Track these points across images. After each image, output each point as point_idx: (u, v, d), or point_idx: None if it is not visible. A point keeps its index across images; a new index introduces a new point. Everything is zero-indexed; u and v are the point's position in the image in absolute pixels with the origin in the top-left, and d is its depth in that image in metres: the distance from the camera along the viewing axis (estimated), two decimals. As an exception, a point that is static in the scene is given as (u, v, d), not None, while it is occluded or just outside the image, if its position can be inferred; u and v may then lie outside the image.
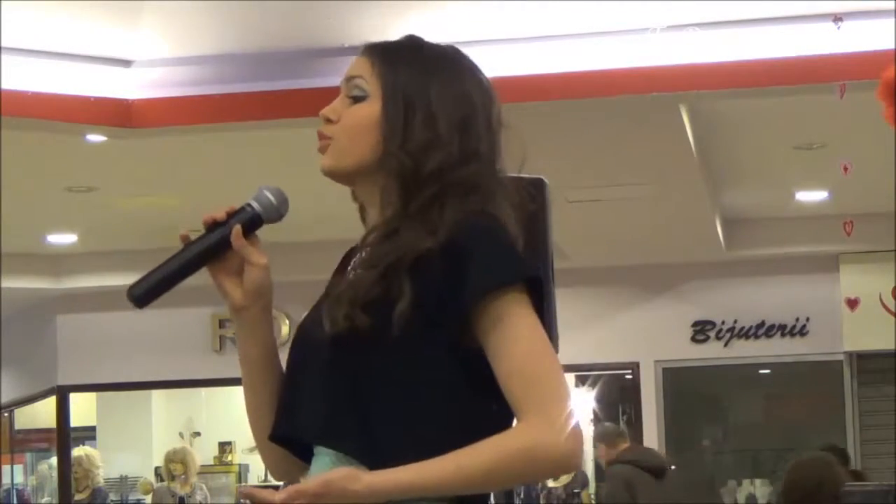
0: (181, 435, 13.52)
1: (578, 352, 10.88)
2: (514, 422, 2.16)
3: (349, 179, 2.33)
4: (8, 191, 8.46)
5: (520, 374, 2.12)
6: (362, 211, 2.37)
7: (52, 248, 11.31)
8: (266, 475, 11.06)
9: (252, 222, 2.28)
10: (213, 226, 2.27)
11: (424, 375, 2.15)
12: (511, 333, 2.14)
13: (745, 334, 11.97)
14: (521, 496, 11.44)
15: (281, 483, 2.36)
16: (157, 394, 13.70)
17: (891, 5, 6.40)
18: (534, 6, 6.63)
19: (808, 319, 11.85)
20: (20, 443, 14.44)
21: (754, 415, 12.78)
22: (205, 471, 12.72)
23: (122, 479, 13.77)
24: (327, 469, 2.15)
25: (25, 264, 11.40)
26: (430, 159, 2.24)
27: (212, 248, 2.26)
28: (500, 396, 2.15)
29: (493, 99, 2.38)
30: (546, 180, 5.02)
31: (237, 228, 2.26)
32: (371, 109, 2.29)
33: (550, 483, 11.64)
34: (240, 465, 13.33)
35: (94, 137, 7.51)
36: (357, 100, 2.31)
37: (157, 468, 13.07)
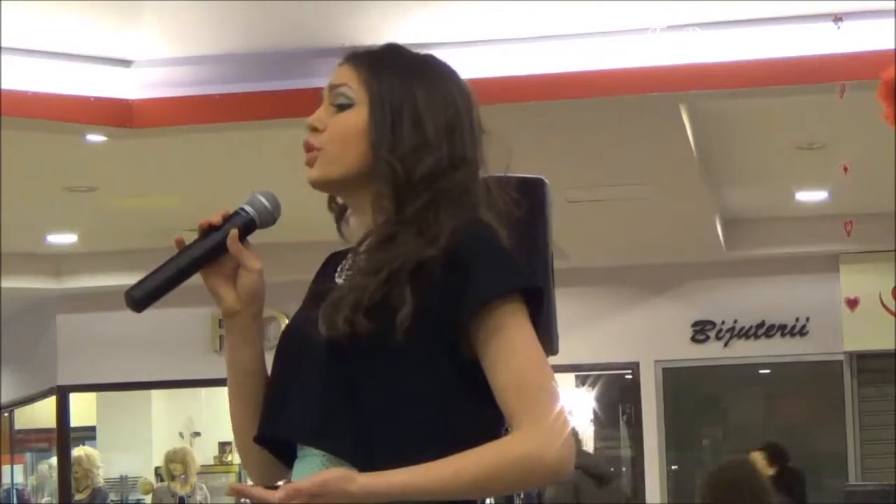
0: (181, 435, 13.52)
1: (578, 352, 10.89)
2: (501, 430, 2.21)
3: (337, 188, 2.34)
4: (8, 191, 8.46)
5: (517, 385, 2.16)
6: (339, 219, 2.38)
7: (52, 248, 11.31)
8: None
9: (246, 227, 2.29)
10: (208, 230, 2.27)
11: (421, 381, 2.17)
12: (509, 345, 2.17)
13: (745, 334, 11.97)
14: (522, 496, 11.43)
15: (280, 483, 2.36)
16: (157, 394, 13.71)
17: (891, 5, 6.40)
18: (534, 6, 6.63)
19: (808, 319, 11.85)
20: (20, 443, 14.45)
21: (754, 415, 12.77)
22: (205, 471, 12.72)
23: (122, 479, 13.77)
24: (318, 470, 2.16)
25: (25, 264, 11.40)
26: (421, 164, 2.26)
27: (208, 252, 2.26)
28: (493, 404, 2.18)
29: (474, 104, 2.42)
30: (546, 180, 5.03)
31: (234, 233, 2.26)
32: (358, 117, 2.30)
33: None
34: (240, 465, 13.32)
35: (94, 137, 7.51)
36: (342, 108, 2.32)
37: (157, 468, 13.07)
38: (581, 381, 12.78)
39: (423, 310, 2.16)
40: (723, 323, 11.99)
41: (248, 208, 2.29)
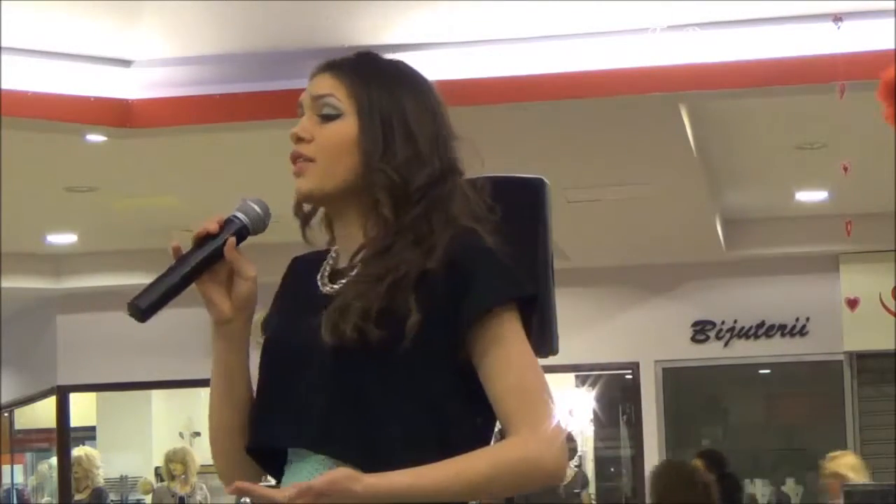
0: (181, 435, 13.52)
1: (578, 352, 10.89)
2: (490, 435, 2.28)
3: (328, 200, 2.34)
4: (8, 191, 8.46)
5: (516, 390, 2.22)
6: (305, 224, 2.39)
7: (52, 248, 11.31)
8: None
9: (240, 234, 2.29)
10: (204, 238, 2.27)
11: (423, 387, 2.22)
12: (507, 352, 2.23)
13: (745, 334, 11.97)
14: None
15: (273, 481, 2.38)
16: (157, 394, 13.71)
17: (891, 5, 6.40)
18: (534, 6, 6.63)
19: (808, 319, 11.85)
20: (20, 443, 14.45)
21: (754, 415, 12.77)
22: (205, 471, 12.70)
23: (122, 479, 13.78)
24: (322, 472, 2.18)
25: (25, 264, 11.40)
26: (416, 174, 2.29)
27: (207, 260, 2.27)
28: (484, 410, 2.24)
29: (446, 109, 2.44)
30: (546, 180, 5.02)
31: (231, 240, 2.27)
32: (349, 128, 2.31)
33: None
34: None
35: (94, 137, 7.51)
36: (329, 118, 2.32)
37: (157, 468, 13.07)
38: (581, 381, 12.78)
39: (426, 318, 2.20)
40: (723, 323, 11.99)
41: (241, 216, 2.29)
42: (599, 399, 12.80)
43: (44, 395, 12.70)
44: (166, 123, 7.17)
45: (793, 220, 11.25)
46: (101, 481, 12.18)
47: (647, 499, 6.37)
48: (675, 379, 12.27)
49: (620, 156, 8.29)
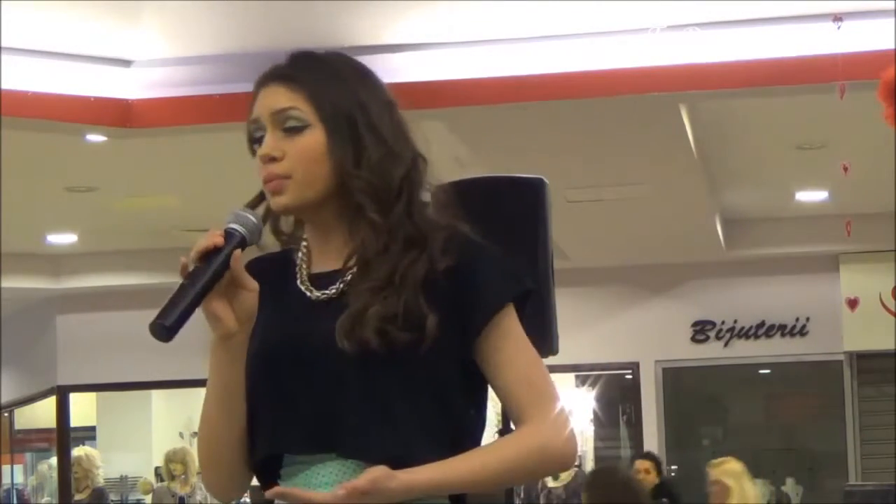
0: (181, 435, 13.52)
1: (578, 352, 10.89)
2: (480, 430, 2.34)
3: (309, 210, 2.33)
4: (8, 191, 8.46)
5: (525, 381, 2.30)
6: (278, 231, 2.39)
7: (52, 248, 11.31)
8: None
9: (241, 247, 2.28)
10: (210, 253, 2.25)
11: (439, 386, 2.27)
12: (513, 346, 2.31)
13: (745, 334, 11.98)
14: (522, 496, 11.44)
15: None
16: (157, 394, 13.71)
17: (891, 5, 6.40)
18: (534, 6, 6.63)
19: (808, 319, 11.85)
20: (20, 443, 14.45)
21: (754, 415, 12.78)
22: (205, 471, 12.71)
23: (122, 479, 13.78)
24: (350, 474, 2.22)
25: (25, 264, 11.40)
26: (392, 171, 2.30)
27: (217, 274, 2.25)
28: (476, 402, 2.32)
29: (393, 95, 2.41)
30: (546, 180, 5.02)
31: (237, 253, 2.26)
32: (317, 137, 2.30)
33: (550, 483, 11.65)
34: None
35: (94, 137, 7.51)
36: (294, 130, 2.30)
37: (157, 468, 13.07)
38: (581, 381, 12.78)
39: (439, 318, 2.24)
40: (723, 323, 11.99)
41: (238, 227, 2.28)
42: (599, 399, 12.80)
43: (44, 395, 12.70)
44: (166, 123, 7.17)
45: (793, 220, 11.26)
46: (101, 481, 12.18)
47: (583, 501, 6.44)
48: (675, 379, 12.27)
49: (620, 156, 8.29)
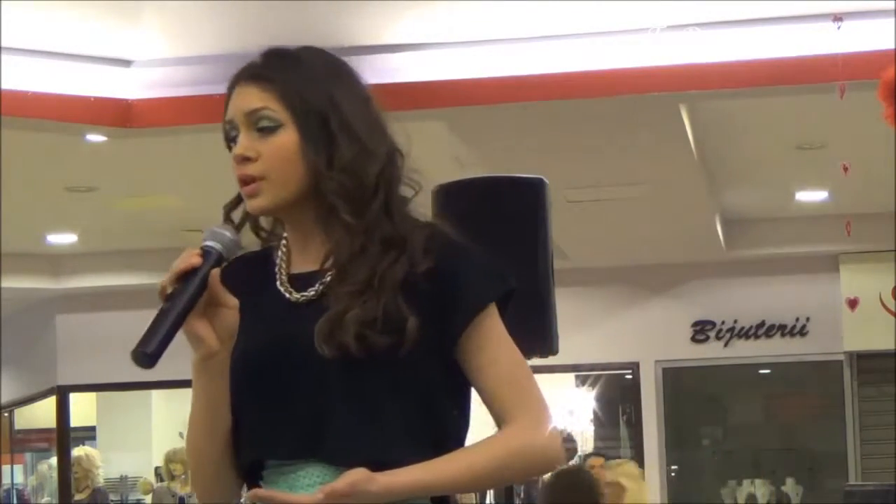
0: (181, 435, 13.46)
1: (578, 352, 10.88)
2: (464, 430, 2.31)
3: (286, 210, 2.31)
4: (8, 191, 8.46)
5: (509, 381, 2.28)
6: (258, 229, 2.36)
7: (52, 248, 11.31)
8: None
9: (218, 264, 2.26)
10: (188, 273, 2.22)
11: (422, 389, 2.24)
12: (496, 346, 2.28)
13: (745, 334, 11.97)
14: (522, 496, 11.45)
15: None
16: (157, 394, 13.69)
17: (891, 5, 6.40)
18: (534, 6, 6.63)
19: (808, 319, 11.85)
20: (20, 443, 14.44)
21: (754, 415, 12.77)
22: (205, 471, 12.70)
23: (122, 479, 13.77)
24: (330, 480, 2.20)
25: (25, 264, 11.40)
26: (367, 169, 2.27)
27: (196, 296, 2.22)
28: (458, 403, 2.30)
29: (371, 91, 2.38)
30: (546, 180, 5.02)
31: (216, 272, 2.23)
32: (290, 137, 2.27)
33: (550, 483, 11.64)
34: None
35: (94, 137, 7.51)
36: (267, 130, 2.28)
37: (157, 468, 13.06)
38: (581, 381, 12.78)
39: (420, 320, 2.21)
40: (723, 323, 11.99)
41: (215, 244, 2.25)
42: (599, 399, 12.80)
43: (44, 395, 12.70)
44: (166, 123, 7.17)
45: (793, 220, 11.25)
46: (101, 481, 12.18)
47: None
48: (675, 379, 12.27)
49: (620, 156, 8.29)
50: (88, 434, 13.83)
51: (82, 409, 13.44)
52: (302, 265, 2.32)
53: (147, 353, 2.18)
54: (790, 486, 12.19)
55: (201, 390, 2.30)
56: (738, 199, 10.66)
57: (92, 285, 11.64)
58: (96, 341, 11.86)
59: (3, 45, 6.50)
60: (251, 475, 2.30)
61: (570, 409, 12.73)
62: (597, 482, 6.58)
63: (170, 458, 12.07)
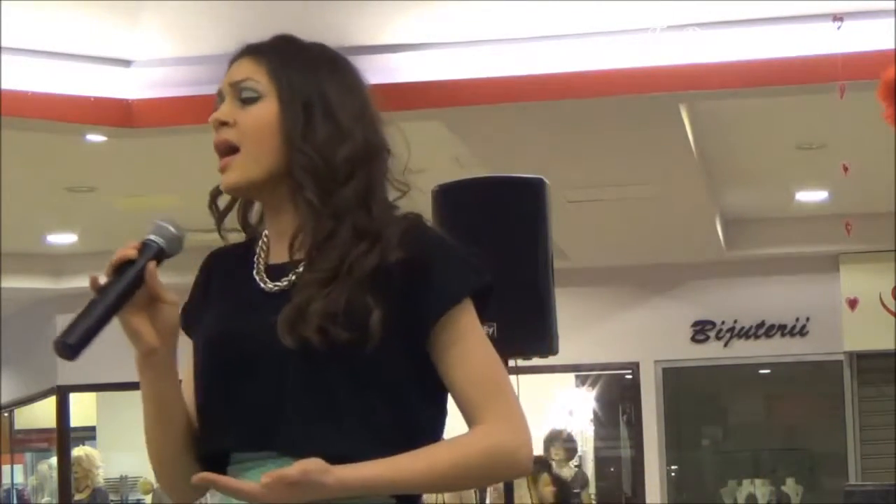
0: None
1: (578, 352, 10.89)
2: (440, 427, 2.24)
3: (256, 190, 2.28)
4: (8, 191, 8.46)
5: (480, 380, 2.19)
6: (220, 221, 2.35)
7: (52, 248, 11.31)
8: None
9: (158, 258, 2.21)
10: (122, 265, 2.18)
11: (389, 384, 2.18)
12: (468, 344, 2.21)
13: (745, 334, 11.97)
14: (521, 496, 11.43)
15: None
16: (157, 394, 13.68)
17: (891, 5, 6.40)
18: (534, 6, 6.63)
19: (808, 319, 11.85)
20: (20, 443, 14.45)
21: (754, 415, 12.77)
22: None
23: (122, 479, 13.78)
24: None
25: (25, 264, 11.40)
26: (339, 151, 2.23)
27: (129, 289, 2.16)
28: (434, 402, 2.22)
29: (372, 93, 2.34)
30: (546, 180, 5.02)
31: (152, 266, 2.18)
32: (269, 108, 2.25)
33: (550, 483, 11.65)
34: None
35: (94, 137, 7.51)
36: (249, 101, 2.26)
37: (157, 468, 13.05)
38: (581, 381, 12.78)
39: (388, 313, 2.16)
40: (723, 323, 11.99)
41: (157, 239, 2.20)
42: (599, 399, 12.80)
43: (44, 395, 12.70)
44: (166, 123, 7.17)
45: (793, 220, 11.25)
46: (101, 481, 12.18)
47: None
48: (675, 379, 12.27)
49: (620, 156, 8.29)
50: (88, 434, 13.83)
51: (82, 409, 13.44)
52: (279, 256, 2.28)
53: (68, 344, 2.11)
54: (790, 486, 12.19)
55: (148, 387, 2.26)
56: (738, 199, 10.67)
57: (92, 285, 11.64)
58: (96, 341, 11.79)
59: (3, 45, 6.50)
60: (216, 469, 2.22)
61: (570, 409, 12.74)
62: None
63: (170, 458, 12.06)
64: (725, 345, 12.01)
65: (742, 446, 12.60)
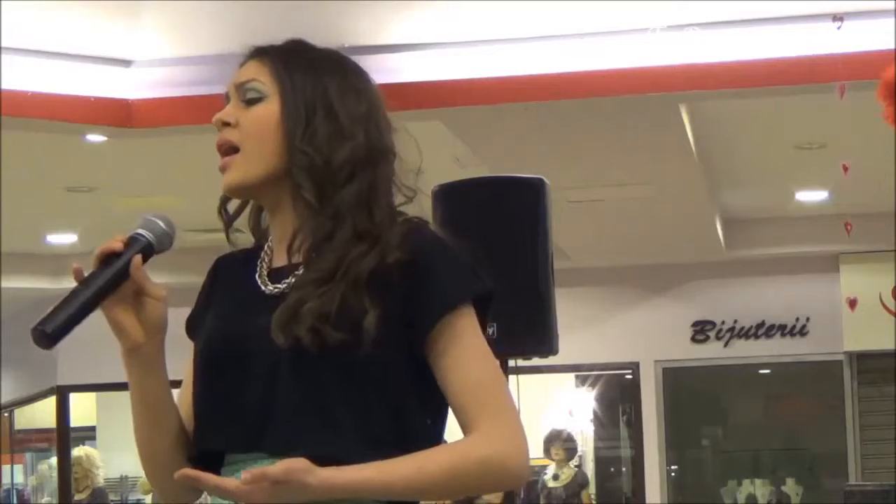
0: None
1: (578, 352, 10.89)
2: (439, 434, 2.21)
3: (256, 190, 2.27)
4: (8, 191, 8.46)
5: (477, 387, 2.15)
6: (228, 226, 2.34)
7: (52, 248, 11.31)
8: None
9: (145, 253, 2.18)
10: (108, 258, 2.15)
11: (383, 388, 2.15)
12: (465, 349, 2.16)
13: (745, 334, 11.98)
14: (522, 496, 11.44)
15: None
16: (157, 394, 13.69)
17: (891, 5, 6.40)
18: (534, 6, 6.63)
19: (808, 319, 11.86)
20: (20, 443, 14.45)
21: (754, 415, 12.78)
22: (205, 471, 12.70)
23: (122, 479, 13.78)
24: None
25: (25, 264, 11.40)
26: (338, 152, 2.21)
27: (113, 281, 2.12)
28: (434, 410, 2.19)
29: (382, 99, 2.32)
30: (546, 181, 5.02)
31: (137, 259, 2.16)
32: (271, 109, 2.25)
33: (550, 483, 11.65)
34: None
35: (94, 137, 7.51)
36: (253, 102, 2.26)
37: (157, 468, 13.06)
38: (581, 381, 12.79)
39: (384, 316, 2.13)
40: (723, 323, 11.99)
41: (145, 233, 2.18)
42: (599, 399, 12.80)
43: (44, 395, 12.71)
44: (166, 123, 7.17)
45: (793, 220, 11.26)
46: (101, 481, 12.19)
47: None
48: (675, 379, 12.27)
49: (620, 156, 8.29)
50: (88, 434, 13.83)
51: (82, 409, 13.44)
52: (281, 259, 2.27)
53: (46, 332, 2.06)
54: (790, 486, 12.19)
55: (135, 385, 2.25)
56: (738, 199, 10.67)
57: (92, 285, 11.64)
58: (96, 341, 11.75)
59: (3, 45, 6.50)
60: (210, 471, 2.18)
61: (570, 409, 12.74)
62: None
63: (170, 458, 12.07)
64: (725, 345, 12.01)
65: (742, 446, 12.61)
